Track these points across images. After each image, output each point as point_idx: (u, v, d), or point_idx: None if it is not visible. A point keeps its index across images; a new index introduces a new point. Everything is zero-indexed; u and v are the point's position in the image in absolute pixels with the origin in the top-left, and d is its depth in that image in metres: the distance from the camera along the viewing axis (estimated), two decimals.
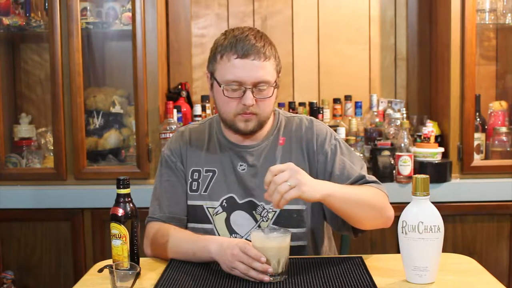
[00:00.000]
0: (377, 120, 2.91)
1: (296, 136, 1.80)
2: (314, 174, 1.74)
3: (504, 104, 2.90)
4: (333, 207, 1.60)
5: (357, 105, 2.95)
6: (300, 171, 1.51)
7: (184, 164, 1.83)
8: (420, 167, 2.65)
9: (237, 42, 1.68)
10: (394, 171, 2.67)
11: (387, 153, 2.67)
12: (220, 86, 1.70)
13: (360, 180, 1.72)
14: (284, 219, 1.73)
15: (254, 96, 1.68)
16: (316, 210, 1.77)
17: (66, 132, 2.71)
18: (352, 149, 1.86)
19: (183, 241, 1.66)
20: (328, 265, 1.59)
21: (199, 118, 2.81)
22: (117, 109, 2.91)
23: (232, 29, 1.74)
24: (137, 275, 1.43)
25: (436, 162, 2.67)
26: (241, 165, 1.78)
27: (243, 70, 1.66)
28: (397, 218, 1.54)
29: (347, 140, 2.63)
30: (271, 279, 1.47)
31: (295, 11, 3.13)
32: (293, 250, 1.62)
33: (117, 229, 1.54)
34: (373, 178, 1.74)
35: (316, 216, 1.78)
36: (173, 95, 2.95)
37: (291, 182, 1.47)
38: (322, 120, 2.87)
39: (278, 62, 1.74)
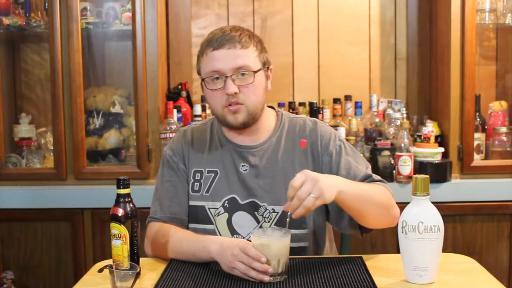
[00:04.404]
0: (377, 120, 2.91)
1: (300, 138, 1.79)
2: None
3: (504, 104, 2.90)
4: (344, 203, 1.59)
5: (357, 105, 2.95)
6: (318, 177, 1.49)
7: (186, 164, 1.82)
8: (420, 167, 2.65)
9: (213, 36, 1.72)
10: (394, 171, 2.67)
11: (387, 153, 2.67)
12: (203, 81, 1.73)
13: (367, 179, 1.72)
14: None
15: (235, 84, 1.69)
16: (318, 211, 1.76)
17: (66, 132, 2.71)
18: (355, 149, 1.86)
19: (183, 241, 1.66)
20: (328, 265, 1.59)
21: (199, 118, 2.81)
22: (117, 109, 2.91)
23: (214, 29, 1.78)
24: (137, 275, 1.43)
25: (436, 162, 2.66)
26: (243, 166, 1.78)
27: (220, 59, 1.69)
28: None
29: (347, 140, 2.62)
30: (271, 279, 1.47)
31: (295, 11, 3.13)
32: (294, 251, 1.63)
33: (117, 229, 1.54)
34: (379, 177, 1.75)
35: (318, 217, 1.77)
36: (173, 95, 2.95)
37: (315, 193, 1.46)
38: (322, 120, 2.87)
39: (261, 52, 1.74)
